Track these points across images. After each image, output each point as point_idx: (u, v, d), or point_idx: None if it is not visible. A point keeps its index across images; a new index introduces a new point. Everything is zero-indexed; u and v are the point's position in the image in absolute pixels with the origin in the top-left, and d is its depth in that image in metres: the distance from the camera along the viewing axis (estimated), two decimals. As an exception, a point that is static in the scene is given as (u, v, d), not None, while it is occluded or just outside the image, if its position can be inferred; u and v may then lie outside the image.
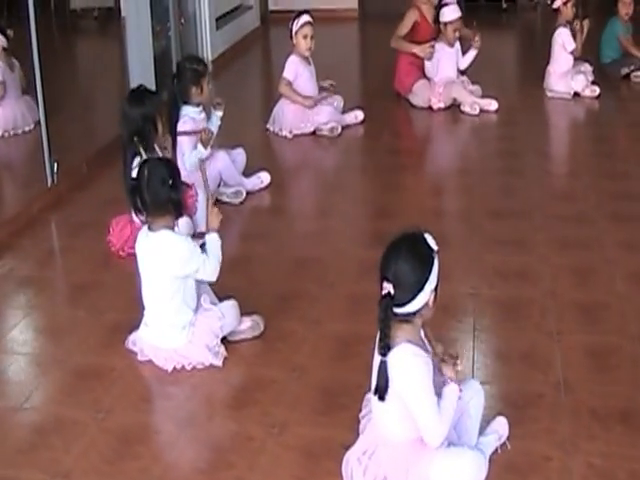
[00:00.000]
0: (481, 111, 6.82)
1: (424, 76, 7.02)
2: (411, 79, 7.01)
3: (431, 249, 2.71)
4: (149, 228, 3.62)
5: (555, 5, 7.25)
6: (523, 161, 5.98)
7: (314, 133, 6.42)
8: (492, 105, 6.87)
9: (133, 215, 4.59)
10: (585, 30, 7.24)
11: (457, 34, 6.89)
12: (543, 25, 11.03)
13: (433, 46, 6.86)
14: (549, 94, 7.29)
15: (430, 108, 6.96)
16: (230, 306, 3.73)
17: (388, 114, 7.04)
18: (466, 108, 6.85)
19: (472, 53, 7.00)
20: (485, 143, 6.39)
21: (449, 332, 3.79)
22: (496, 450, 3.00)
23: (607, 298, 4.09)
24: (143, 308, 3.77)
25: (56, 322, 4.05)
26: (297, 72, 6.36)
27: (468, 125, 6.77)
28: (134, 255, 4.45)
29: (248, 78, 8.30)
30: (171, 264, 3.54)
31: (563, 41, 7.20)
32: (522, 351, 3.66)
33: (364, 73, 7.98)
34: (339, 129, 6.42)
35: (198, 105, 5.11)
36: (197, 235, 4.61)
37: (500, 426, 3.06)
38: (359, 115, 6.67)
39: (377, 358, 2.79)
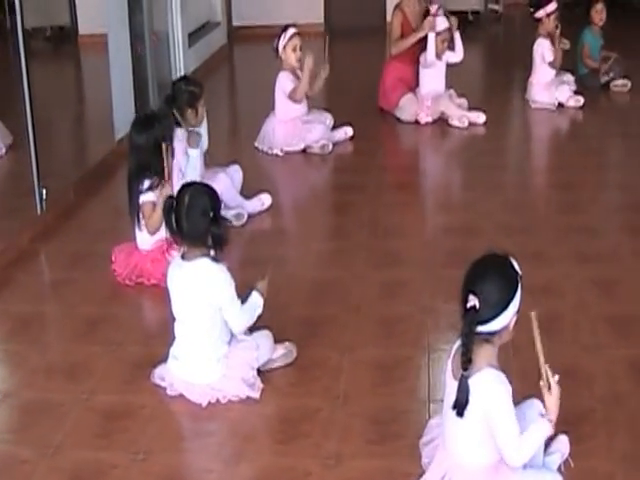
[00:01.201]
0: (469, 124, 6.85)
1: (410, 90, 7.02)
2: (397, 94, 7.01)
3: (517, 272, 2.75)
4: (182, 257, 3.51)
5: (538, 15, 7.34)
6: (521, 174, 6.03)
7: (304, 151, 6.36)
8: (480, 118, 6.90)
9: (138, 243, 4.50)
10: (561, 46, 7.31)
11: (445, 44, 6.91)
12: (508, 36, 11.23)
13: (432, 18, 6.80)
14: (533, 105, 7.36)
15: (417, 122, 6.97)
16: (264, 336, 3.65)
17: (376, 130, 7.02)
18: (454, 122, 6.87)
19: (457, 35, 6.98)
20: (478, 157, 6.40)
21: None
22: (559, 468, 2.98)
23: (635, 310, 4.11)
24: (170, 341, 3.66)
25: (70, 360, 3.88)
26: (290, 87, 6.29)
27: (458, 139, 6.79)
28: (143, 284, 4.45)
29: (223, 96, 8.22)
30: (211, 292, 3.44)
31: (543, 52, 7.29)
32: (564, 366, 3.63)
33: (342, 89, 7.93)
34: (330, 146, 6.38)
35: (192, 126, 5.03)
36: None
37: (562, 444, 3.05)
38: (348, 131, 6.64)
39: (450, 374, 2.81)
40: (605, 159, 6.33)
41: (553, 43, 7.29)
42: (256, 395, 3.51)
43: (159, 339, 3.96)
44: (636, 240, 4.86)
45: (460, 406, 2.70)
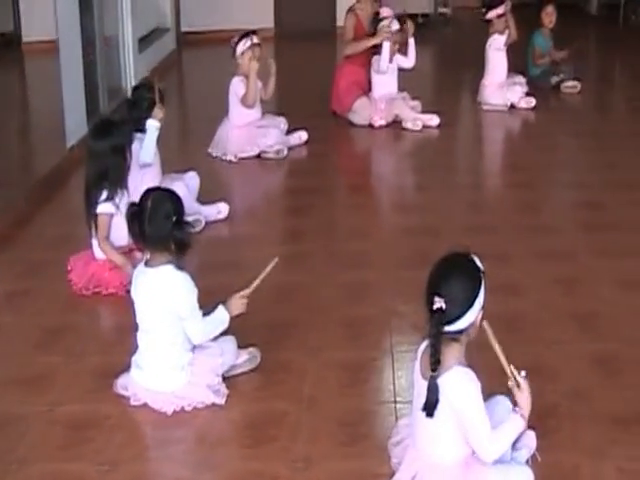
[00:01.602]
0: (423, 127, 6.91)
1: (364, 94, 7.05)
2: (351, 97, 7.04)
3: (479, 269, 2.77)
4: (146, 264, 3.48)
5: (488, 16, 7.44)
6: (477, 175, 6.09)
7: (259, 156, 6.35)
8: (434, 120, 6.97)
9: (94, 251, 4.44)
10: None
11: (397, 47, 6.96)
12: (457, 39, 11.36)
13: (388, 26, 6.84)
14: (485, 107, 7.46)
15: (371, 126, 7.00)
16: (228, 341, 3.63)
17: (330, 133, 7.05)
18: (408, 124, 6.92)
19: (411, 42, 7.05)
20: (434, 158, 6.46)
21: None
22: (527, 462, 3.01)
23: (596, 306, 4.17)
24: (131, 349, 3.63)
25: (30, 371, 3.80)
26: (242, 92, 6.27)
27: (412, 141, 6.84)
28: (100, 293, 4.39)
29: (173, 102, 8.12)
30: (175, 301, 3.41)
31: (495, 44, 7.37)
32: (529, 363, 3.68)
33: (294, 93, 7.94)
34: (285, 151, 6.39)
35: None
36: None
37: (530, 439, 3.08)
38: (303, 136, 6.64)
39: (418, 375, 2.82)
40: (558, 158, 6.43)
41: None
42: (221, 401, 3.49)
43: (120, 348, 3.92)
44: (593, 237, 4.95)
45: (430, 407, 2.71)
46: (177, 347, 3.49)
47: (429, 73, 9.34)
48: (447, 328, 2.72)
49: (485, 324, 2.75)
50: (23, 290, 4.56)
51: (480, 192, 5.77)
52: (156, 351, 3.50)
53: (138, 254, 4.38)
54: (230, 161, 6.31)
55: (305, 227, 5.25)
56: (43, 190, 5.72)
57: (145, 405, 3.50)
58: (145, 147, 4.92)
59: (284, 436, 3.29)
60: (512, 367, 2.77)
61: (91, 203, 4.34)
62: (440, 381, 2.69)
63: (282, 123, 6.53)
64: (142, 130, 4.96)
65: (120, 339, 4.02)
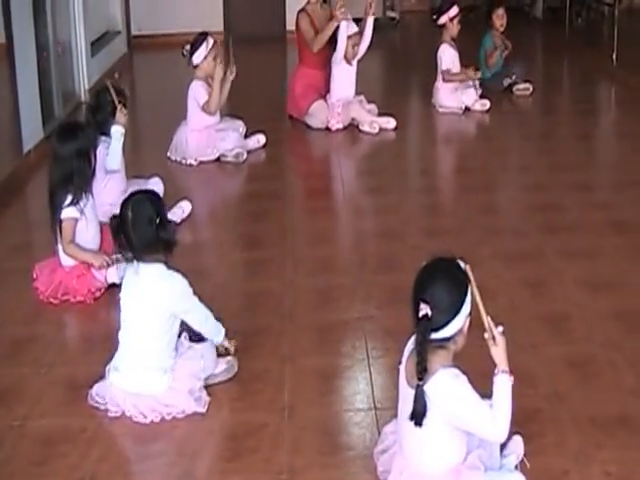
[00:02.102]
0: (380, 130, 6.88)
1: (320, 97, 7.00)
2: (307, 101, 6.97)
3: (465, 274, 2.71)
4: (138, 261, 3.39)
5: (441, 21, 7.44)
6: (435, 178, 6.08)
7: (218, 160, 6.25)
8: (390, 123, 6.94)
9: (60, 258, 4.31)
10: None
11: (356, 49, 6.91)
12: (406, 42, 11.39)
13: (343, 5, 6.74)
14: (440, 109, 7.45)
15: (328, 129, 6.95)
16: (209, 347, 3.55)
17: (287, 137, 6.99)
18: (365, 127, 6.88)
19: (369, 21, 6.99)
20: (392, 162, 6.44)
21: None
22: (515, 469, 2.99)
23: (565, 308, 4.17)
24: (104, 359, 3.54)
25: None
26: (204, 97, 6.16)
27: (369, 144, 6.81)
28: (68, 301, 4.25)
29: (137, 106, 7.95)
30: (167, 299, 3.35)
31: (441, 59, 7.39)
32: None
33: (248, 96, 7.82)
34: (244, 155, 6.29)
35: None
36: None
37: (517, 445, 3.06)
38: (261, 139, 6.56)
39: (404, 382, 2.77)
40: (514, 161, 6.46)
41: (457, 48, 7.41)
42: (202, 410, 3.40)
43: (91, 358, 3.82)
44: (556, 239, 4.96)
45: (418, 416, 2.65)
46: (162, 349, 3.41)
47: (380, 76, 9.33)
48: (434, 335, 2.66)
49: (467, 268, 2.68)
50: (-13, 301, 4.40)
51: (439, 195, 5.77)
52: (139, 352, 3.42)
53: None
54: (190, 165, 6.20)
55: (267, 232, 5.17)
56: (1, 196, 5.54)
57: (122, 417, 3.39)
58: (112, 154, 4.80)
59: (265, 447, 3.21)
60: (490, 319, 2.72)
61: (56, 208, 4.20)
62: (426, 388, 2.63)
63: (241, 126, 6.44)
64: (107, 134, 4.84)
65: (90, 349, 3.92)
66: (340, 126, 6.92)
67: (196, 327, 3.48)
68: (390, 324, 4.07)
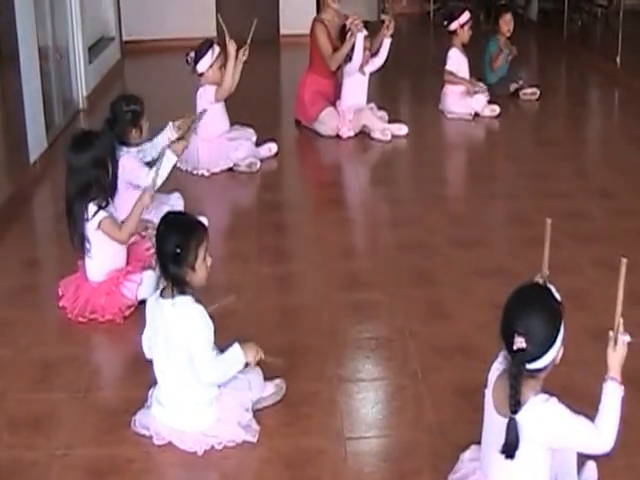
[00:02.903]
0: (392, 137, 6.78)
1: (330, 104, 6.88)
2: (317, 108, 6.86)
3: (559, 302, 2.64)
4: (161, 294, 3.21)
5: (452, 27, 7.37)
6: (456, 186, 6.00)
7: (230, 170, 6.12)
8: (402, 130, 6.86)
9: (87, 273, 4.16)
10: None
11: (368, 54, 6.81)
12: (399, 45, 11.27)
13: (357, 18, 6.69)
14: (449, 115, 7.38)
15: (338, 136, 6.84)
16: (255, 372, 3.40)
17: (297, 145, 6.88)
18: (377, 135, 6.79)
19: (386, 42, 6.90)
20: (408, 170, 6.37)
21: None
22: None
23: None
24: (143, 382, 3.43)
25: (33, 410, 3.50)
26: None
27: (382, 152, 6.71)
28: (96, 320, 4.10)
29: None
30: (189, 335, 3.14)
31: (447, 61, 7.33)
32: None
33: (249, 103, 7.68)
34: (258, 164, 6.16)
35: (137, 145, 4.73)
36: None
37: (591, 472, 2.97)
38: (273, 148, 6.44)
39: (491, 408, 2.67)
40: (533, 167, 6.37)
41: (466, 54, 7.36)
42: (253, 439, 3.26)
43: (128, 381, 3.68)
44: (589, 249, 4.91)
45: (510, 449, 2.55)
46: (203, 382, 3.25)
47: (380, 81, 9.19)
48: (528, 366, 2.56)
49: (623, 262, 2.54)
50: (10, 319, 4.22)
51: (462, 204, 5.67)
52: (179, 387, 3.24)
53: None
54: (202, 176, 6.06)
55: (292, 244, 5.06)
56: (10, 209, 5.36)
57: (170, 444, 3.25)
58: (160, 175, 4.65)
59: (326, 476, 3.09)
60: (621, 321, 2.60)
61: (75, 221, 4.04)
62: (519, 418, 2.54)
63: (253, 135, 6.32)
64: (126, 143, 4.70)
65: (126, 371, 3.78)
66: (351, 133, 6.82)
67: (205, 375, 3.21)
68: (436, 341, 3.97)
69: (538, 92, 7.95)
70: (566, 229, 5.23)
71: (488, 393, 2.71)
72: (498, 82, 7.87)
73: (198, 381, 3.21)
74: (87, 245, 4.06)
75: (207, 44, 6.06)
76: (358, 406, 3.52)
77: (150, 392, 3.42)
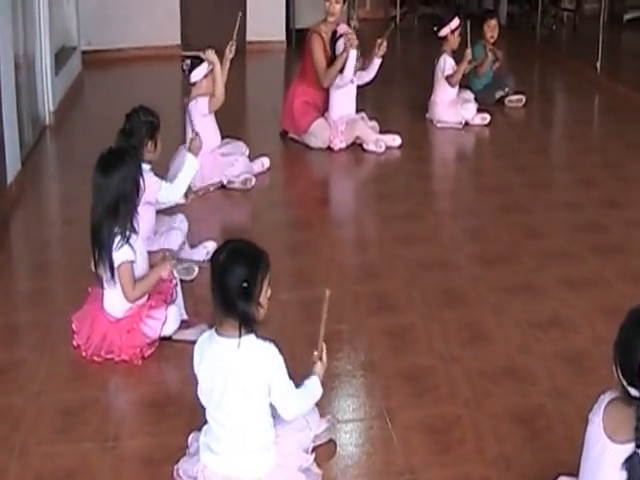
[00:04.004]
0: (386, 148, 6.65)
1: (321, 115, 6.71)
2: (307, 119, 6.68)
3: None
4: (217, 331, 2.98)
5: (442, 33, 7.27)
6: (462, 199, 5.86)
7: (223, 186, 5.89)
8: (396, 141, 6.73)
9: (106, 306, 3.90)
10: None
11: (358, 64, 6.66)
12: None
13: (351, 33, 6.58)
14: (439, 124, 7.27)
15: (329, 149, 6.67)
16: (314, 412, 3.21)
17: (287, 158, 6.69)
18: (371, 146, 6.64)
19: (376, 62, 6.79)
20: (410, 183, 6.20)
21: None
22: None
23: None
24: (180, 428, 3.27)
25: (61, 464, 3.23)
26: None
27: (378, 164, 6.55)
28: (112, 360, 3.84)
29: (104, 129, 7.44)
30: (259, 375, 2.93)
31: (443, 67, 7.23)
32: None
33: (229, 114, 7.45)
34: (253, 181, 5.95)
35: (149, 162, 4.49)
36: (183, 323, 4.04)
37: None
38: (266, 162, 6.25)
39: (601, 435, 2.51)
40: (537, 177, 6.28)
41: (456, 61, 7.26)
42: (315, 484, 3.08)
43: (161, 427, 3.46)
44: (613, 261, 4.88)
45: None
46: (261, 426, 3.04)
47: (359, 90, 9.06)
48: (650, 394, 2.44)
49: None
50: (13, 363, 3.91)
51: (474, 217, 5.54)
52: (235, 434, 3.02)
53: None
54: (194, 193, 5.82)
55: (308, 267, 4.85)
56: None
57: (222, 492, 3.04)
58: (178, 185, 4.44)
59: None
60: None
61: (102, 246, 3.78)
62: (642, 451, 2.41)
63: (245, 149, 6.11)
64: (141, 158, 4.45)
65: (156, 416, 3.54)
66: (343, 145, 6.65)
67: (288, 413, 3.04)
68: (480, 365, 3.85)
69: (524, 99, 7.91)
70: (584, 241, 5.17)
71: (596, 419, 2.56)
72: (483, 89, 7.79)
73: (258, 425, 3.01)
74: (111, 274, 3.80)
75: (199, 57, 5.82)
76: (414, 441, 3.37)
77: (191, 437, 3.21)
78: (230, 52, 6.05)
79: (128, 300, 3.83)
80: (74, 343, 3.93)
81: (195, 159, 4.59)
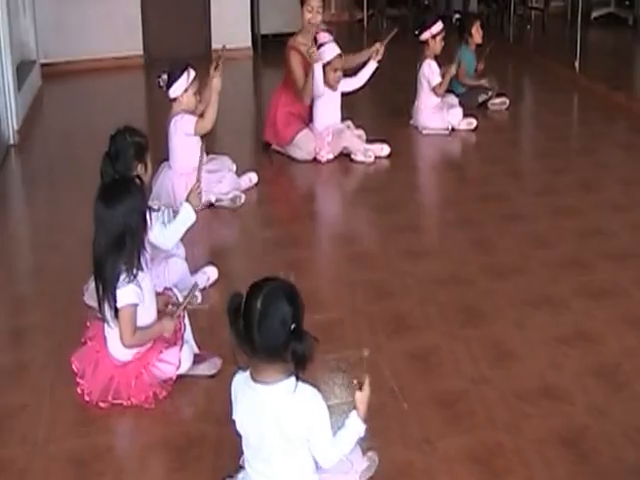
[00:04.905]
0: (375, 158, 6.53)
1: (305, 126, 6.57)
2: (292, 129, 6.52)
3: None
4: (254, 378, 2.81)
5: (423, 37, 7.18)
6: (463, 208, 5.71)
7: (211, 205, 5.71)
8: (384, 150, 6.62)
9: (110, 348, 3.69)
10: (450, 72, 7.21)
11: (339, 74, 6.53)
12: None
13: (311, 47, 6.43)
14: (425, 131, 7.18)
15: (315, 160, 6.52)
16: (356, 450, 3.06)
17: (274, 172, 6.50)
18: (359, 157, 6.51)
19: (372, 65, 6.68)
20: (404, 193, 6.06)
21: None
22: None
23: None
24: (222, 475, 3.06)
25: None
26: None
27: (369, 176, 6.42)
28: (121, 405, 3.64)
29: (70, 147, 7.23)
30: (307, 425, 2.79)
31: (429, 75, 7.13)
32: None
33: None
34: (242, 198, 5.78)
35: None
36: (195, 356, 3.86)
37: None
38: (253, 178, 6.09)
39: None
40: (533, 183, 6.23)
41: (440, 66, 7.18)
42: (362, 528, 2.94)
43: (189, 473, 3.27)
44: (627, 268, 4.84)
45: None
46: (304, 473, 2.89)
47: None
48: None
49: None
50: (13, 408, 3.68)
51: (478, 228, 5.42)
52: (279, 476, 2.86)
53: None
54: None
55: (314, 287, 4.66)
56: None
57: None
58: (170, 235, 4.22)
59: None
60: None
61: (106, 282, 3.58)
62: None
63: (232, 165, 5.94)
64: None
65: (183, 462, 3.35)
66: (330, 156, 6.51)
67: (327, 461, 2.90)
68: (513, 386, 3.77)
69: (507, 101, 7.86)
70: (592, 248, 5.11)
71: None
72: (466, 93, 7.72)
73: (303, 472, 2.86)
74: (115, 313, 3.59)
75: (181, 66, 5.62)
76: (460, 471, 3.25)
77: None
78: (217, 84, 5.77)
79: (124, 345, 3.62)
80: (78, 390, 3.70)
81: (192, 211, 4.23)
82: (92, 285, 4.43)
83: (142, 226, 3.64)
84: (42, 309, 4.57)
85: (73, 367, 3.75)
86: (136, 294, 3.59)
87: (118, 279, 3.56)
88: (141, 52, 9.72)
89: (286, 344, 2.71)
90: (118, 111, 7.95)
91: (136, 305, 3.59)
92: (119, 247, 3.55)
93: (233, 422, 2.91)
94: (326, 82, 6.51)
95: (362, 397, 2.96)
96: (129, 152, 4.23)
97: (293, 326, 2.72)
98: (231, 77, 9.54)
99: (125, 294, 3.57)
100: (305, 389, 2.79)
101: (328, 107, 6.58)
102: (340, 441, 2.90)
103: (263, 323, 2.71)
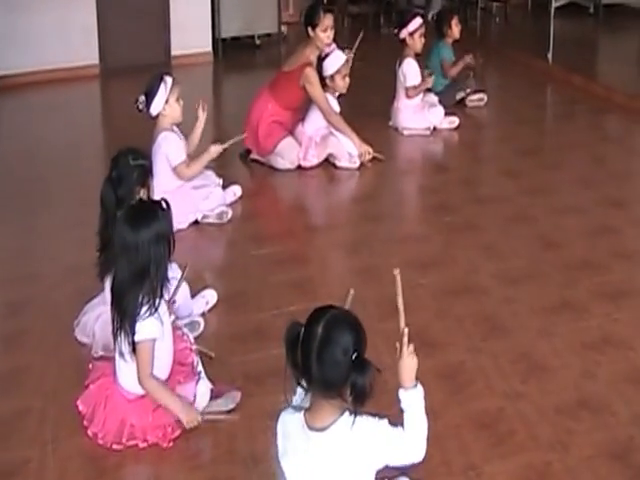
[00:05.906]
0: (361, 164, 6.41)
1: (288, 134, 6.40)
2: (274, 139, 6.35)
3: None
4: (308, 425, 2.65)
5: (401, 36, 7.08)
6: (462, 213, 5.61)
7: (196, 222, 5.53)
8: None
9: (122, 383, 3.51)
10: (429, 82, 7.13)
11: (347, 80, 6.45)
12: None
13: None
14: (405, 132, 7.08)
15: (300, 167, 6.36)
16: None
17: (257, 183, 6.34)
18: (343, 163, 6.39)
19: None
20: (396, 199, 6.01)
21: None
22: None
23: None
24: None
25: None
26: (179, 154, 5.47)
27: (356, 181, 6.31)
28: (136, 446, 3.45)
29: (31, 167, 6.94)
30: (368, 459, 2.67)
31: (407, 74, 7.04)
32: None
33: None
34: (229, 214, 5.61)
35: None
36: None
37: None
38: (237, 191, 5.91)
39: None
40: (528, 182, 6.13)
41: (420, 66, 7.11)
42: None
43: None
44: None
45: None
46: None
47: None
48: None
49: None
50: (14, 466, 3.43)
51: (482, 232, 5.32)
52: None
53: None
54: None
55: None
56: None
57: None
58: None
59: None
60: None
61: (125, 314, 3.40)
62: None
63: (218, 180, 5.76)
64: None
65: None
66: (315, 161, 6.37)
67: (410, 452, 2.78)
68: (550, 401, 3.71)
69: (485, 97, 7.80)
70: (601, 247, 5.07)
71: None
72: (444, 90, 7.63)
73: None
74: (133, 347, 3.41)
75: (157, 79, 5.42)
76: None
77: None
78: (203, 111, 5.70)
79: (140, 382, 3.44)
80: (88, 432, 3.50)
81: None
82: (83, 319, 4.27)
83: (168, 256, 3.46)
84: (29, 350, 4.28)
85: (79, 410, 3.55)
86: (157, 328, 3.42)
87: (139, 311, 3.38)
88: (97, 61, 9.45)
89: (346, 376, 2.57)
90: (78, 126, 7.78)
91: (154, 340, 3.42)
92: (142, 277, 3.38)
93: (278, 462, 2.76)
94: (336, 89, 6.48)
95: (405, 365, 2.80)
96: (132, 176, 4.03)
97: (355, 355, 2.58)
98: (194, 83, 9.42)
99: (145, 327, 3.40)
100: (363, 424, 2.65)
101: (317, 112, 6.46)
102: (412, 427, 2.75)
103: (324, 350, 2.57)
